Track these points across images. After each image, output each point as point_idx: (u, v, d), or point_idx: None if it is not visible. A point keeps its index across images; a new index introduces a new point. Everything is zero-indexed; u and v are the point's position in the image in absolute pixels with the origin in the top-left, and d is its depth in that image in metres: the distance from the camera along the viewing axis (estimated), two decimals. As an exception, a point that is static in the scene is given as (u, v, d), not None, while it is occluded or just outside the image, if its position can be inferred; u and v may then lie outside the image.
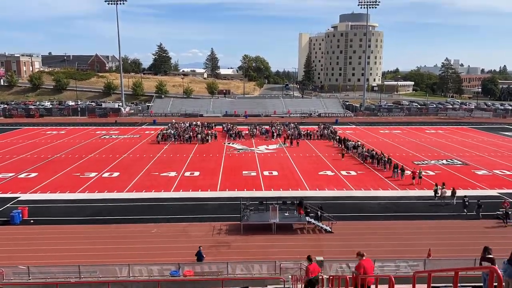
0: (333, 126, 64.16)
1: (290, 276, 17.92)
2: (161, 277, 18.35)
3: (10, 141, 55.02)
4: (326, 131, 59.20)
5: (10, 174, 36.96)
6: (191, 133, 56.76)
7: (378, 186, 33.61)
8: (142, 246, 21.82)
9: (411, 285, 5.82)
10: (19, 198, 30.14)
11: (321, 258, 19.29)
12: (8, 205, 28.40)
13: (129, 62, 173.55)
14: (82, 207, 28.50)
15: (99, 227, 24.85)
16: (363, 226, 24.95)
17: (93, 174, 36.99)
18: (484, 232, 24.15)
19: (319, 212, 24.96)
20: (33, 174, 37.07)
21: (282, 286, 17.01)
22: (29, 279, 18.46)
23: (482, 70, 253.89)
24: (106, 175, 37.08)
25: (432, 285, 5.00)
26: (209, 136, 55.88)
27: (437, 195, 29.65)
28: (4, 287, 17.40)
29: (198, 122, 66.62)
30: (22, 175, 36.78)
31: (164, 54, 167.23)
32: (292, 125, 64.28)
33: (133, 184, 34.03)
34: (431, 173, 37.24)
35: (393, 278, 5.79)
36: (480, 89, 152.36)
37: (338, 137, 54.07)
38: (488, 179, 35.67)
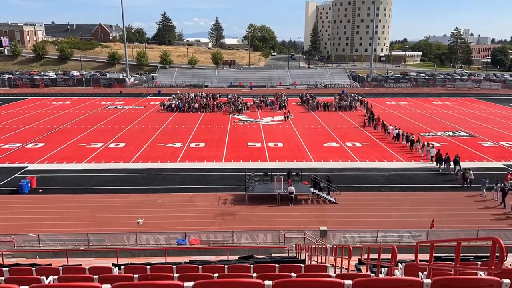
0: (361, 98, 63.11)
1: (294, 245, 18.25)
2: (167, 245, 18.76)
3: (16, 111, 55.23)
4: (344, 103, 57.70)
5: (18, 144, 37.31)
6: (197, 104, 56.65)
7: (383, 157, 33.62)
8: (149, 215, 22.20)
9: (414, 254, 5.89)
10: (27, 168, 30.53)
11: (324, 228, 19.58)
12: (16, 175, 28.82)
13: (133, 31, 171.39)
14: (89, 177, 28.86)
15: (106, 196, 25.24)
16: (367, 197, 25.13)
17: (99, 145, 37.25)
18: (487, 203, 24.24)
19: (322, 184, 25.11)
20: (40, 144, 37.41)
21: (286, 254, 17.36)
22: (39, 246, 18.96)
23: (493, 40, 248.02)
24: (112, 145, 37.34)
25: (434, 255, 5.06)
26: (218, 107, 56.14)
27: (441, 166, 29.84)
28: (15, 254, 17.88)
29: (204, 93, 66.30)
30: (30, 145, 37.12)
31: (168, 23, 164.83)
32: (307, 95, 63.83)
33: (139, 154, 34.28)
34: (436, 144, 37.07)
35: (396, 248, 5.86)
36: (489, 60, 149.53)
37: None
38: (494, 150, 35.54)
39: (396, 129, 39.51)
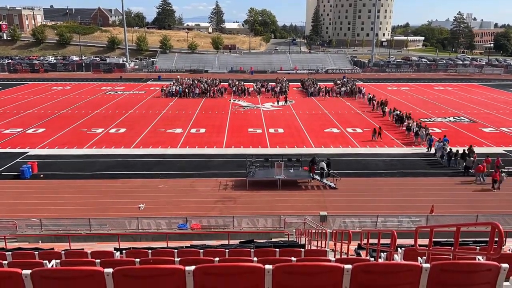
0: (356, 83, 62.51)
1: (294, 230, 18.40)
2: (169, 230, 18.92)
3: (16, 96, 55.09)
4: (344, 89, 57.43)
5: (18, 130, 37.32)
6: (198, 89, 56.48)
7: (384, 143, 33.61)
8: (150, 201, 22.32)
9: (413, 239, 5.93)
10: (28, 153, 30.61)
11: (324, 213, 19.70)
12: (17, 160, 28.91)
13: (132, 15, 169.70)
14: (90, 162, 28.94)
15: (107, 181, 25.34)
16: (367, 183, 25.21)
17: (100, 130, 37.26)
18: (487, 189, 24.32)
19: (325, 168, 25.17)
20: (41, 130, 37.42)
21: (287, 239, 17.50)
22: (42, 231, 19.12)
23: (496, 25, 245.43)
24: (113, 131, 37.34)
25: (433, 239, 5.10)
26: (219, 92, 56.18)
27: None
28: (18, 239, 18.05)
29: (205, 79, 65.95)
30: (30, 131, 37.13)
31: (168, 8, 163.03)
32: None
33: (139, 140, 34.30)
34: (437, 130, 37.06)
35: (395, 233, 5.90)
36: (492, 45, 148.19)
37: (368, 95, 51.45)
38: (494, 136, 35.52)
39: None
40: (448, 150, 28.52)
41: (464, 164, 26.71)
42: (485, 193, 23.81)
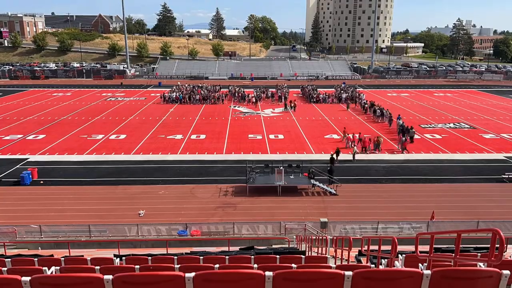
0: (357, 89, 62.47)
1: (294, 236, 18.33)
2: (169, 237, 18.86)
3: (17, 102, 55.19)
4: (344, 95, 56.90)
5: (19, 136, 37.34)
6: (198, 95, 56.61)
7: (384, 149, 33.57)
8: (150, 207, 22.27)
9: (414, 246, 5.91)
10: (28, 159, 30.60)
11: (325, 220, 19.64)
12: (17, 166, 28.89)
13: (133, 22, 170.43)
14: (90, 168, 28.92)
15: (107, 188, 25.31)
16: (368, 189, 25.16)
17: (100, 136, 37.27)
18: (487, 195, 24.29)
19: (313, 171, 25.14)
20: (41, 136, 37.44)
21: (287, 245, 17.44)
22: (41, 237, 19.06)
23: (495, 31, 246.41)
24: (113, 137, 37.36)
25: (434, 246, 5.08)
26: (220, 99, 56.38)
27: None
28: (17, 245, 17.99)
29: (205, 85, 66.10)
30: (31, 137, 37.15)
31: (169, 15, 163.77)
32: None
33: (140, 146, 34.31)
34: (437, 136, 37.08)
35: (396, 239, 5.87)
36: (491, 51, 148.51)
37: (365, 101, 51.37)
38: (495, 142, 35.50)
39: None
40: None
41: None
42: (486, 199, 23.75)
